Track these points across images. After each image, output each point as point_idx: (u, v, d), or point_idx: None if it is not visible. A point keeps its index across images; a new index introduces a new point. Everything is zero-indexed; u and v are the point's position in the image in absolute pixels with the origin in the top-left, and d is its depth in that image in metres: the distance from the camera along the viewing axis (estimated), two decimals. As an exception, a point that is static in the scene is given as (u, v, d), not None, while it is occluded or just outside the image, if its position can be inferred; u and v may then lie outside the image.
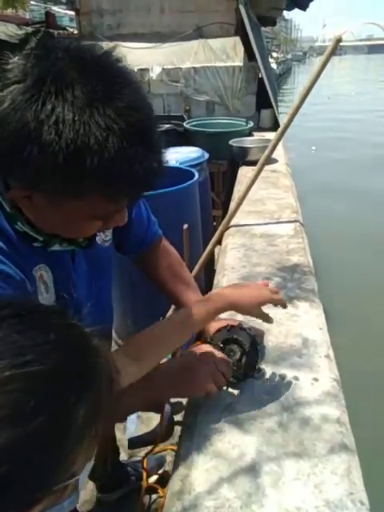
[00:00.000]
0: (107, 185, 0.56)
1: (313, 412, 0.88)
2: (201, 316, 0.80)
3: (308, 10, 5.63)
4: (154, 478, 1.76)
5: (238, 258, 1.62)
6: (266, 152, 1.80)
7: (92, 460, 0.40)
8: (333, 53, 1.64)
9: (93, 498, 1.76)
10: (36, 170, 0.53)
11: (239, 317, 1.21)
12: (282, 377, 0.97)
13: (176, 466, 0.82)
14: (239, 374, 0.91)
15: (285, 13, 6.82)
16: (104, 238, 0.89)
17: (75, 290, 0.80)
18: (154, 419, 1.95)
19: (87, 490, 1.76)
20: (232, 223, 1.92)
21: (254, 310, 0.86)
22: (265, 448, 0.80)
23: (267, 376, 0.98)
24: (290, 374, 0.98)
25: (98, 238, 0.85)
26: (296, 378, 0.97)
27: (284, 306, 0.92)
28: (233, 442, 0.81)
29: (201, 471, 0.77)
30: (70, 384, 0.35)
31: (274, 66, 18.45)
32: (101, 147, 0.52)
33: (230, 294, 0.85)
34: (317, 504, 0.70)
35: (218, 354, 0.89)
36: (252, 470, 0.76)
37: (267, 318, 0.89)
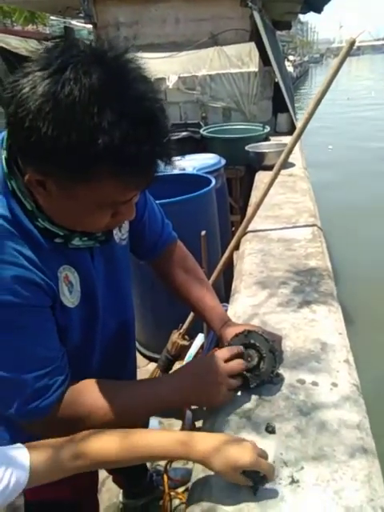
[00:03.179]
0: (117, 166, 0.58)
1: (332, 417, 0.87)
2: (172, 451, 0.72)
3: (324, 12, 5.61)
4: (181, 488, 1.76)
5: (255, 263, 1.62)
6: (282, 156, 1.80)
7: None
8: (347, 56, 1.63)
9: (118, 504, 1.78)
10: (50, 150, 0.56)
11: (256, 322, 1.21)
12: (301, 382, 0.97)
13: (195, 471, 0.83)
14: (257, 379, 0.91)
15: (300, 16, 6.79)
16: (121, 236, 0.91)
17: (95, 288, 0.82)
18: (175, 425, 1.96)
19: (112, 496, 1.78)
20: (249, 228, 1.92)
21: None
22: (283, 453, 0.80)
23: (285, 381, 0.98)
24: (308, 379, 0.98)
25: (115, 237, 0.88)
26: (315, 383, 0.97)
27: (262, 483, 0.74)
28: (251, 448, 0.82)
29: (220, 478, 0.77)
30: None
31: (290, 69, 18.43)
32: (112, 128, 0.55)
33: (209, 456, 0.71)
34: (337, 510, 0.70)
35: (228, 353, 0.89)
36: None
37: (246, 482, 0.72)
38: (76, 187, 0.61)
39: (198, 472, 0.81)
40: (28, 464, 0.62)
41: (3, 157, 0.66)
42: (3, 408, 0.71)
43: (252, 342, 0.92)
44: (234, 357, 0.89)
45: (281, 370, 1.00)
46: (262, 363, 0.91)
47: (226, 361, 0.88)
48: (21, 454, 0.63)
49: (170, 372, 1.90)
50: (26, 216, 0.67)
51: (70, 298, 0.76)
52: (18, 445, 0.64)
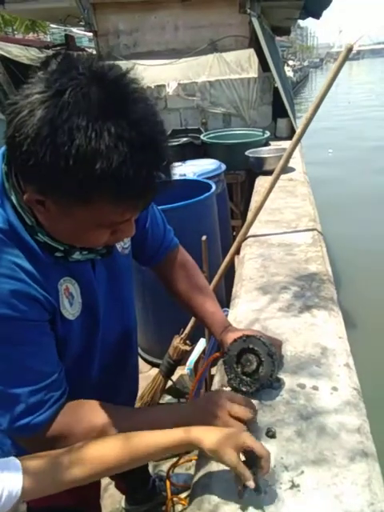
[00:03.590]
0: (115, 189, 0.57)
1: (332, 421, 0.87)
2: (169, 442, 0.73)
3: (322, 17, 5.64)
4: (184, 494, 1.76)
5: (255, 268, 1.63)
6: (281, 161, 1.81)
7: None
8: (345, 61, 1.65)
9: (121, 510, 1.77)
10: (48, 174, 0.56)
11: (256, 327, 1.22)
12: (301, 386, 0.98)
13: (196, 476, 0.83)
14: (256, 383, 0.92)
15: (299, 21, 6.83)
16: (123, 245, 0.91)
17: (97, 299, 0.83)
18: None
19: (115, 502, 1.78)
20: (250, 233, 1.93)
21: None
22: (284, 457, 0.80)
23: (286, 386, 0.98)
24: (308, 383, 0.98)
25: (117, 246, 0.88)
26: (315, 388, 0.97)
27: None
28: (252, 452, 0.82)
29: (220, 481, 0.78)
30: None
31: (290, 73, 18.53)
32: (110, 152, 0.54)
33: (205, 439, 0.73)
34: (337, 514, 0.70)
35: (233, 397, 0.84)
36: (271, 479, 0.76)
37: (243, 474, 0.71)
38: (74, 208, 0.61)
39: (199, 476, 0.81)
40: (21, 477, 0.62)
41: (3, 171, 0.66)
42: None
43: (251, 346, 0.93)
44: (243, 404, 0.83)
45: (281, 375, 1.00)
46: (260, 367, 0.92)
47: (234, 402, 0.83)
48: (13, 466, 0.62)
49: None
50: (26, 230, 0.67)
51: (71, 310, 0.76)
52: (11, 457, 0.64)
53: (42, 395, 0.70)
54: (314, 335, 1.17)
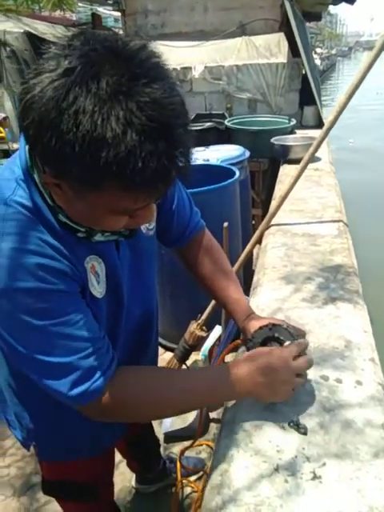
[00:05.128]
0: (123, 179, 0.54)
1: (356, 415, 0.86)
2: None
3: (355, 3, 5.44)
4: (194, 477, 1.78)
5: (278, 257, 1.60)
6: (311, 150, 1.77)
7: None
8: (383, 48, 1.58)
9: (131, 489, 1.80)
10: (56, 160, 0.54)
11: (279, 316, 1.20)
12: (324, 378, 0.96)
13: (215, 460, 0.83)
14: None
15: (330, 7, 6.61)
16: (148, 226, 0.89)
17: (121, 279, 0.82)
18: (189, 414, 1.97)
19: (125, 480, 1.81)
20: (273, 222, 1.90)
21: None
22: (306, 448, 0.79)
23: (309, 377, 0.96)
24: (332, 375, 0.97)
25: (142, 227, 0.86)
26: (338, 381, 0.95)
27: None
28: (273, 441, 0.81)
29: (240, 467, 0.77)
30: None
31: (317, 61, 18.09)
32: (117, 140, 0.50)
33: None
34: (360, 509, 0.69)
35: (296, 349, 0.84)
36: (292, 469, 0.75)
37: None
38: (86, 194, 0.58)
39: (218, 460, 0.81)
40: None
41: (27, 148, 0.64)
42: (55, 394, 0.70)
43: (276, 335, 0.91)
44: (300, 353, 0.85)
45: (304, 366, 0.99)
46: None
47: (294, 358, 0.84)
48: None
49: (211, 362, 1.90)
50: (49, 209, 0.66)
51: (98, 288, 0.76)
52: None
53: (91, 360, 0.69)
54: (338, 327, 1.15)
